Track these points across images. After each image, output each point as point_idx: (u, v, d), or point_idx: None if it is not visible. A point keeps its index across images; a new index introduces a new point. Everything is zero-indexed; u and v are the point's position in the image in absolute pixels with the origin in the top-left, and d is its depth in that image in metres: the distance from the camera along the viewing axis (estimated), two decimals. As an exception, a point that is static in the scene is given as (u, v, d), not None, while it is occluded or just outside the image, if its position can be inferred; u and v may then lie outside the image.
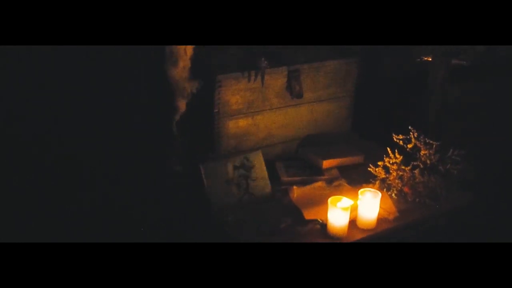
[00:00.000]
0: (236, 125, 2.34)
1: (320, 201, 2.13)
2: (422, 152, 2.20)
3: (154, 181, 2.28)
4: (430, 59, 3.50)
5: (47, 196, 2.22)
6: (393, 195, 2.20)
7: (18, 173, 2.20)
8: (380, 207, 2.06)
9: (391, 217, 2.09)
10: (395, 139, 2.21)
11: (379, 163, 2.23)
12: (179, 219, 2.19)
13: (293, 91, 2.38)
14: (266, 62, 2.27)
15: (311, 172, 2.38)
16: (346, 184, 2.30)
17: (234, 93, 2.28)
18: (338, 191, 2.23)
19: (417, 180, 2.19)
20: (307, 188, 2.25)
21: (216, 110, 2.27)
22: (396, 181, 2.21)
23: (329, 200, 1.97)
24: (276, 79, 2.36)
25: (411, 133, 2.19)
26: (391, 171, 2.21)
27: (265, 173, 2.22)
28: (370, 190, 2.06)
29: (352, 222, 2.02)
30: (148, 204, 2.26)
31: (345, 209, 1.95)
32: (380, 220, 2.06)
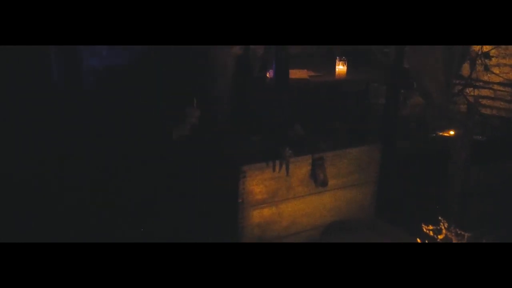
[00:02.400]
0: (260, 215, 2.29)
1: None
2: (454, 244, 2.13)
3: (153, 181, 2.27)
4: (452, 133, 3.50)
5: (47, 196, 2.23)
6: None
7: (18, 173, 2.23)
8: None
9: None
10: (425, 230, 2.15)
11: (409, 254, 2.16)
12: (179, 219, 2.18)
13: (318, 179, 2.35)
14: (290, 151, 2.26)
15: (337, 262, 2.31)
16: (375, 277, 2.21)
17: (259, 183, 2.25)
18: (367, 284, 2.15)
19: (450, 273, 2.11)
20: (335, 282, 2.16)
21: (241, 200, 2.23)
22: (428, 274, 2.12)
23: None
24: (300, 167, 2.34)
25: (441, 223, 2.14)
26: (422, 263, 2.13)
27: None
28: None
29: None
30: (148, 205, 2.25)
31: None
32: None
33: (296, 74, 3.20)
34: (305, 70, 3.29)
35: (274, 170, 2.26)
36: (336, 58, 3.39)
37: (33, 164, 2.28)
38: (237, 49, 2.33)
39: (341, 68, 3.36)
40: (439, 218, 2.15)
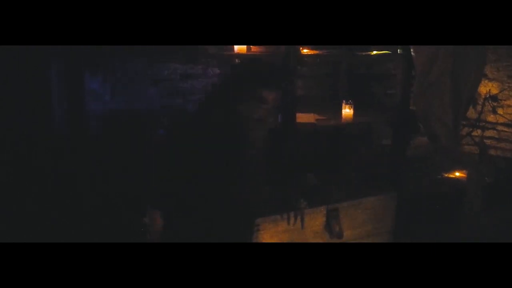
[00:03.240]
0: (274, 269, 2.19)
1: None
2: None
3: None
4: (458, 175, 3.46)
5: (47, 196, 2.25)
6: None
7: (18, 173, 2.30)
8: None
9: None
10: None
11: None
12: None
13: (333, 231, 2.26)
14: (305, 203, 2.19)
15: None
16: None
17: (273, 235, 2.16)
18: None
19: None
20: None
21: (254, 255, 2.13)
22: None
23: None
24: (315, 219, 2.25)
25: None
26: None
27: None
28: None
29: None
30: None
31: None
32: None
33: (302, 118, 3.16)
34: (312, 113, 3.26)
35: (289, 222, 2.17)
36: (343, 102, 3.37)
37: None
38: (271, 123, 2.26)
39: (347, 111, 3.33)
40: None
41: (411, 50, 3.10)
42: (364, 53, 3.35)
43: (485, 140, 3.82)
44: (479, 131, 3.68)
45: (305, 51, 3.22)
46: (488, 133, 3.88)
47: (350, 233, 2.36)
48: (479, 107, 3.63)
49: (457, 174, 3.75)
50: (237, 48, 3.06)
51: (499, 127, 3.87)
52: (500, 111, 3.78)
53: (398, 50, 3.30)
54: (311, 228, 2.25)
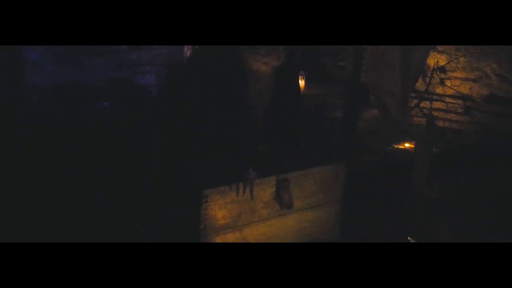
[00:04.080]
0: (224, 240, 2.17)
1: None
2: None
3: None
4: (407, 146, 3.53)
5: (46, 196, 2.22)
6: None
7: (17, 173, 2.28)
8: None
9: None
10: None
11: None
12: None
13: (283, 201, 2.25)
14: (254, 173, 2.16)
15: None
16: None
17: (221, 207, 2.13)
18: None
19: None
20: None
21: (203, 226, 2.10)
22: None
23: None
24: (264, 190, 2.24)
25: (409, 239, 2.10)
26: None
27: None
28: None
29: None
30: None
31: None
32: None
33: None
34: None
35: (237, 193, 2.14)
36: (294, 73, 3.34)
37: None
38: (272, 60, 2.27)
39: (299, 82, 3.30)
40: (408, 238, 2.11)
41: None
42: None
43: (433, 112, 3.90)
44: (427, 102, 3.73)
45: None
46: (436, 104, 3.95)
47: (300, 203, 2.36)
48: (427, 79, 3.68)
49: (406, 145, 3.83)
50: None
51: (447, 99, 3.95)
52: (448, 83, 3.84)
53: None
54: (260, 198, 2.23)
